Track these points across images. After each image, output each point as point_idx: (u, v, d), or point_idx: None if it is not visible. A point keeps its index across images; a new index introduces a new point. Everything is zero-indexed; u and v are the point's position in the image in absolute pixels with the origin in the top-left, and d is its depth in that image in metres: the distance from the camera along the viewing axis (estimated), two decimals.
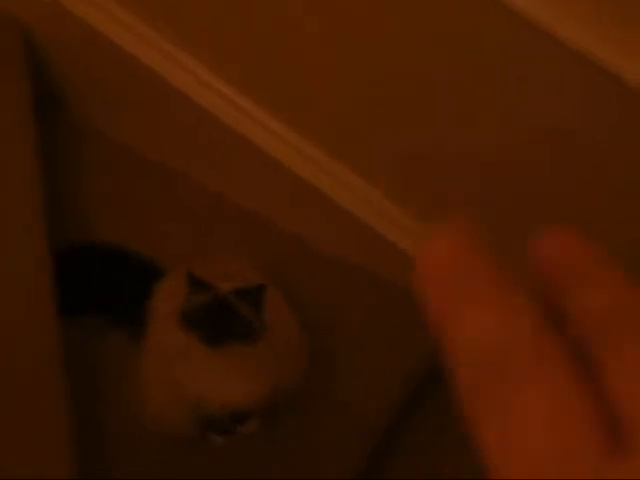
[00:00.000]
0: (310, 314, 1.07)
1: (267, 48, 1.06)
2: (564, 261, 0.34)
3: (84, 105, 1.25)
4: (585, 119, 0.88)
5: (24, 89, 1.13)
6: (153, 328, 1.01)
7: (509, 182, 1.01)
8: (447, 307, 0.33)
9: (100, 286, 1.12)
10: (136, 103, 1.20)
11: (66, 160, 1.22)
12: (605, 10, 0.76)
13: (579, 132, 0.90)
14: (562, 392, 0.31)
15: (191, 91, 1.14)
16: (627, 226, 0.93)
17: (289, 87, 1.09)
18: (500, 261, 0.34)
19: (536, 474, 0.30)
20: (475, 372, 0.32)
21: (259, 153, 1.13)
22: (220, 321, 0.93)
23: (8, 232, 1.03)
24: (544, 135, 0.93)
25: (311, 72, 1.05)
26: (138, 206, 1.20)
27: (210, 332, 0.93)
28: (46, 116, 1.16)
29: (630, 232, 0.93)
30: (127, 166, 1.22)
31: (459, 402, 0.32)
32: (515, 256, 0.38)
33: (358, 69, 1.01)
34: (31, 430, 0.94)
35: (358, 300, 1.15)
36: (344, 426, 1.08)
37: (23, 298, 1.00)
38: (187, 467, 1.04)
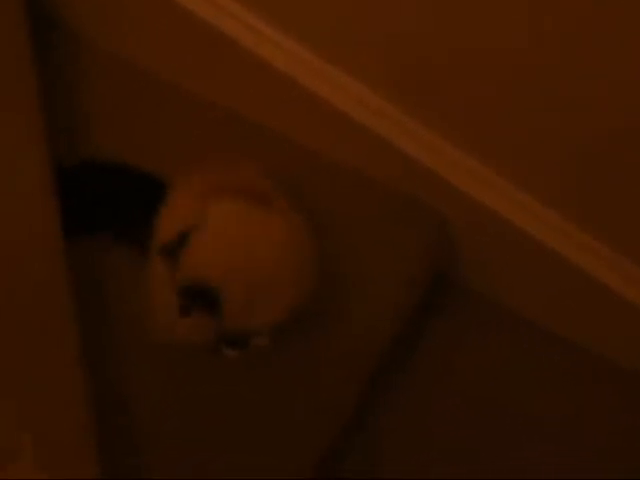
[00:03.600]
0: (318, 221, 1.05)
1: None
2: None
3: (80, 20, 1.22)
4: None
5: (20, 9, 1.09)
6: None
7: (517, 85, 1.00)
8: None
9: (101, 203, 1.09)
10: (136, 14, 1.18)
11: (64, 77, 1.19)
12: None
13: None
14: None
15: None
16: None
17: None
18: None
19: None
20: None
21: (269, 68, 1.12)
22: None
23: (10, 153, 1.01)
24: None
25: None
26: (142, 121, 1.17)
27: None
28: (43, 34, 1.13)
29: None
30: (130, 81, 1.20)
31: None
32: None
33: None
34: (37, 350, 0.92)
35: (364, 207, 1.15)
36: (352, 340, 1.08)
37: (27, 218, 0.98)
38: (196, 378, 1.04)
